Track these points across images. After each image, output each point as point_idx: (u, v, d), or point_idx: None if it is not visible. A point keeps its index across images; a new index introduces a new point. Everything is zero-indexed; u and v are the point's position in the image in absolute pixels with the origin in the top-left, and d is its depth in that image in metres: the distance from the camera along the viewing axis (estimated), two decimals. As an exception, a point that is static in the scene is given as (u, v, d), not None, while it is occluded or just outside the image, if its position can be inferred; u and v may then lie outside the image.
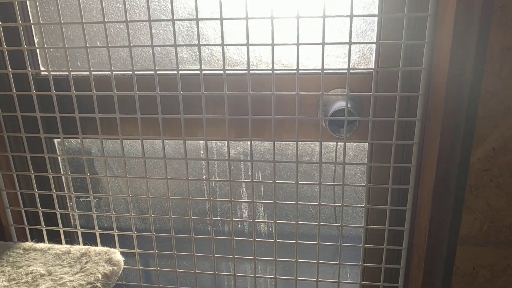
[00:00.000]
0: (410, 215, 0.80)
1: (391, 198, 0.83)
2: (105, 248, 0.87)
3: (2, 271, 0.80)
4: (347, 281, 1.03)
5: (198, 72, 0.74)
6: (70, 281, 0.77)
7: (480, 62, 0.65)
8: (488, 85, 0.66)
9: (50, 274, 0.79)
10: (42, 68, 0.91)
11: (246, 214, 1.00)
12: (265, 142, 0.91)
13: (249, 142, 0.79)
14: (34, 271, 0.80)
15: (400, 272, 0.85)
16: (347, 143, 0.91)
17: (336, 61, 0.85)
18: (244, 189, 0.98)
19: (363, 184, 0.79)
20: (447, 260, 0.80)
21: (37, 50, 0.90)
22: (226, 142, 0.81)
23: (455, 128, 0.71)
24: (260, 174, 0.96)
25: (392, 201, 0.86)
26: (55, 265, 0.82)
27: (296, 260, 0.85)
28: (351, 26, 0.66)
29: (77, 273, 0.80)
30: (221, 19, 0.70)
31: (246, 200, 0.97)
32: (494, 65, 0.65)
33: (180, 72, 0.75)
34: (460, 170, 0.72)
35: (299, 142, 0.92)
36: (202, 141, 0.94)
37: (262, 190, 0.98)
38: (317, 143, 0.91)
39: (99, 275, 0.78)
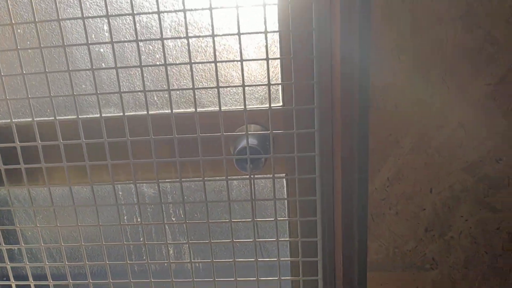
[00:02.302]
0: (321, 246, 0.82)
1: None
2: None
3: None
4: None
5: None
6: None
7: (365, 100, 0.68)
8: (374, 119, 0.69)
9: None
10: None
11: (171, 251, 1.00)
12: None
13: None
14: None
15: (319, 301, 0.87)
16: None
17: (250, 97, 0.88)
18: (167, 227, 0.98)
19: (272, 219, 0.81)
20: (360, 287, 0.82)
21: None
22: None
23: (352, 161, 0.74)
24: (181, 211, 0.97)
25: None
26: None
27: (214, 279, 0.85)
28: (242, 70, 0.68)
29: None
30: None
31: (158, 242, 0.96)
32: (377, 101, 0.69)
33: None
34: (360, 200, 0.75)
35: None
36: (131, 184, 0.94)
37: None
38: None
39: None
